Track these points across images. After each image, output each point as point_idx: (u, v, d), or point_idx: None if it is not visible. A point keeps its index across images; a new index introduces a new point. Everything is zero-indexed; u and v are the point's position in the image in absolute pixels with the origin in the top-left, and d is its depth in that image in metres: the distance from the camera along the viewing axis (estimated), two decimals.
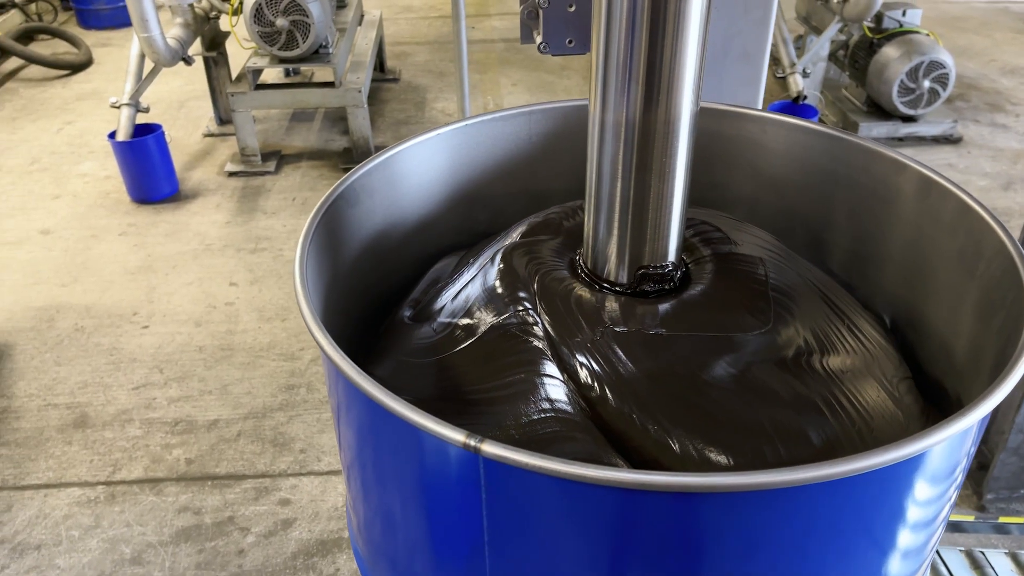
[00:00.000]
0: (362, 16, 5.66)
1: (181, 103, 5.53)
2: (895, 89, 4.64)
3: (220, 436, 2.99)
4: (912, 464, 0.83)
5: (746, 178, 1.43)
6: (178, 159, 4.76)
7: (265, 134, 5.11)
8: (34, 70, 6.03)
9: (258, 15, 4.25)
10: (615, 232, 1.06)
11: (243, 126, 4.58)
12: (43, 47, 6.36)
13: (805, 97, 4.57)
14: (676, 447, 0.92)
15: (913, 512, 0.90)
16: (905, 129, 4.88)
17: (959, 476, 0.96)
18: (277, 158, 4.78)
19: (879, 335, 1.20)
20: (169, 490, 2.79)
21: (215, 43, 4.88)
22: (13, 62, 6.07)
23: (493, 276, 1.09)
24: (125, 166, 4.30)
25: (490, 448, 0.72)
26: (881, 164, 1.25)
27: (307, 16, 4.27)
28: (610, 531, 0.78)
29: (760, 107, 1.73)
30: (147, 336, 3.47)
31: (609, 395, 0.96)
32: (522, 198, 1.45)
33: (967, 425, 0.78)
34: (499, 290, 1.07)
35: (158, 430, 3.02)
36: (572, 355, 1.00)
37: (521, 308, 1.04)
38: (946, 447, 0.85)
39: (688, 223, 1.27)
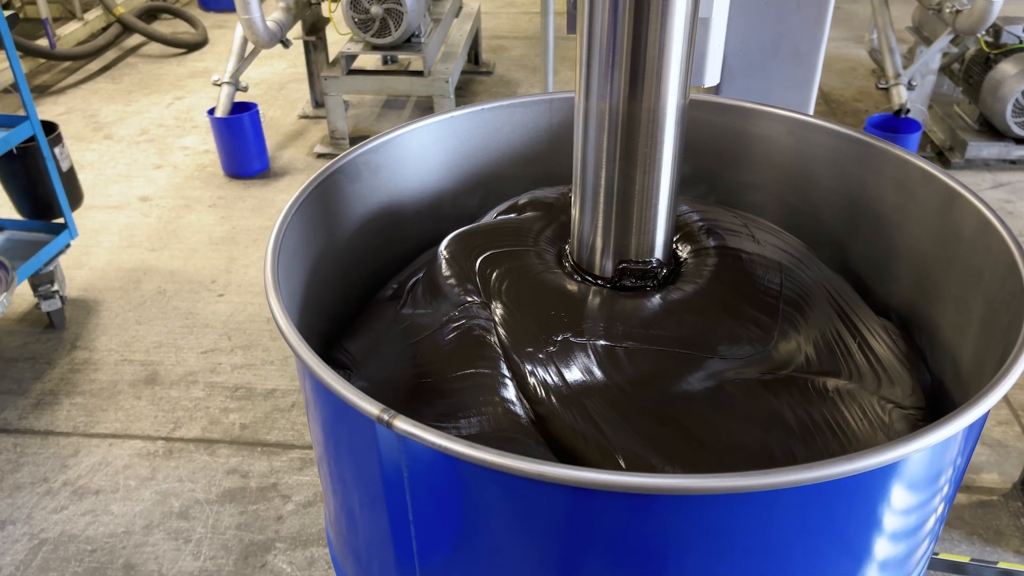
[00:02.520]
0: (460, 8, 5.72)
1: (282, 85, 5.75)
2: (1009, 108, 4.34)
3: (275, 405, 3.09)
4: (879, 475, 0.79)
5: (774, 179, 1.37)
6: (272, 138, 4.95)
7: (356, 119, 5.25)
8: (153, 47, 6.39)
9: (354, 2, 4.36)
10: (599, 223, 1.03)
11: (334, 109, 4.71)
12: (164, 26, 6.73)
13: (908, 111, 4.33)
14: (623, 464, 0.89)
15: (891, 522, 0.86)
16: (1018, 151, 4.55)
17: (945, 487, 0.90)
18: None
19: (894, 356, 1.12)
20: (221, 451, 2.91)
21: (315, 28, 5.04)
22: (135, 39, 6.46)
23: (438, 265, 1.08)
24: (220, 141, 4.51)
25: (401, 424, 0.72)
26: (909, 173, 1.17)
27: (401, 5, 4.35)
28: (519, 520, 0.76)
29: (811, 111, 1.65)
30: (221, 304, 3.63)
31: (557, 407, 0.93)
32: (541, 184, 1.43)
33: (924, 445, 0.73)
34: (449, 280, 1.06)
35: (219, 394, 3.15)
36: (522, 363, 0.97)
37: (471, 300, 1.02)
38: (922, 459, 0.80)
39: (708, 216, 1.22)
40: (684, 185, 1.42)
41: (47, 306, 3.40)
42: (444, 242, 1.13)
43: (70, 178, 3.65)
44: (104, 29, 6.23)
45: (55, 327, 3.48)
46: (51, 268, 3.36)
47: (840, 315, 1.13)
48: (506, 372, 0.97)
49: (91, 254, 3.98)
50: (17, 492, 2.76)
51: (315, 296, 1.12)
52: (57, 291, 3.39)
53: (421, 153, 1.30)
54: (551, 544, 0.78)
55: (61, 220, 3.44)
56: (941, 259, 1.13)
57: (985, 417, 0.80)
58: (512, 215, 1.19)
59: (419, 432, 0.70)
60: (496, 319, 1.01)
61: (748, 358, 0.99)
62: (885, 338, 1.13)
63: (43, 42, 5.65)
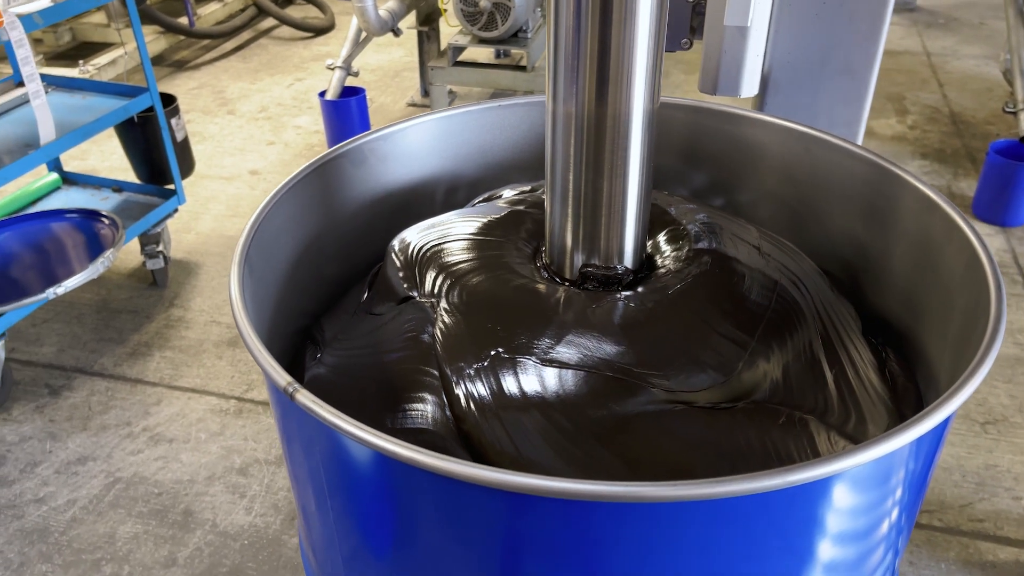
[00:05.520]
0: None
1: (396, 72, 5.94)
2: None
3: None
4: (803, 491, 0.77)
5: (789, 194, 1.32)
6: (379, 123, 5.13)
7: None
8: (284, 30, 6.73)
9: None
10: (568, 226, 1.03)
11: (438, 99, 4.82)
12: (296, 10, 7.07)
13: None
14: None
15: (835, 530, 0.84)
16: None
17: (897, 490, 0.86)
18: None
19: (875, 393, 1.06)
20: None
21: (429, 18, 5.17)
22: (268, 21, 6.83)
23: (388, 259, 1.10)
24: (328, 123, 4.71)
25: (302, 398, 0.75)
26: (916, 200, 1.11)
27: (509, 0, 4.41)
28: (419, 506, 0.78)
29: (862, 128, 1.57)
30: None
31: (478, 420, 0.93)
32: None
33: (848, 466, 0.71)
34: (399, 275, 1.08)
35: None
36: (451, 375, 0.97)
37: (414, 296, 1.04)
38: (858, 475, 0.78)
39: (715, 225, 1.19)
40: (701, 195, 1.39)
41: (151, 264, 3.67)
42: (398, 236, 1.15)
43: (184, 148, 3.92)
44: (241, 11, 6.61)
45: (158, 285, 3.74)
46: (158, 230, 3.61)
47: (826, 344, 1.08)
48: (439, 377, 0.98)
49: (199, 220, 4.25)
50: (102, 432, 3.01)
51: (307, 273, 1.17)
52: (162, 252, 3.65)
53: (433, 145, 1.33)
54: (456, 532, 0.80)
55: (172, 186, 3.69)
56: (935, 291, 1.07)
57: (919, 441, 0.76)
58: (486, 204, 1.21)
59: (315, 407, 0.74)
60: (437, 322, 1.03)
61: (701, 391, 0.96)
62: (871, 374, 1.07)
63: (184, 20, 6.06)
